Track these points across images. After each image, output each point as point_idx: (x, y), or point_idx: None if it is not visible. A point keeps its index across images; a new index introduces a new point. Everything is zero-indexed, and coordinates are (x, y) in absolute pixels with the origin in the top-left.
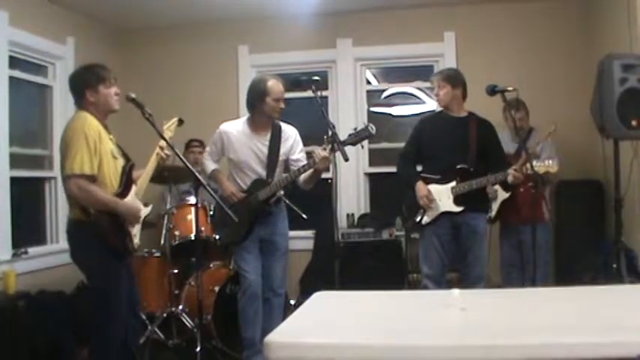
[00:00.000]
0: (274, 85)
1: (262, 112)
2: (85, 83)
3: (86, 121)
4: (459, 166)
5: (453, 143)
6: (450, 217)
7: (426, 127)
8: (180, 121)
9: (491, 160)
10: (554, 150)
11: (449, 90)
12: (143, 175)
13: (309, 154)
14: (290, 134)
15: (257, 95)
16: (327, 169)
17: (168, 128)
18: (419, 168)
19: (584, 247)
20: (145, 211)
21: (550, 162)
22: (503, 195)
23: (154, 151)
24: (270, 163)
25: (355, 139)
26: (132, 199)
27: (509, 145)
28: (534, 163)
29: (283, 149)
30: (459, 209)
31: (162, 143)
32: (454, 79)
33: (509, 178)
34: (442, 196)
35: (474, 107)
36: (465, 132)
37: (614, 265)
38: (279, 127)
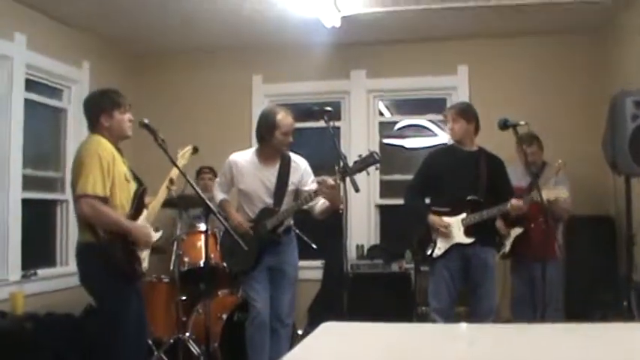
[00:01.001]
0: (283, 118)
1: (271, 144)
2: (100, 108)
3: (100, 144)
4: (469, 198)
5: (463, 177)
6: (461, 250)
7: (436, 161)
8: (195, 149)
9: (500, 196)
10: (568, 185)
11: (463, 124)
12: (154, 203)
13: (318, 183)
14: (299, 165)
15: (266, 128)
16: (340, 200)
17: (183, 156)
18: (427, 200)
19: (595, 284)
20: (155, 237)
21: (561, 188)
22: (516, 231)
23: (166, 177)
24: (277, 192)
25: (361, 165)
26: (142, 222)
27: (522, 180)
28: (544, 191)
29: (292, 179)
30: (469, 240)
31: (173, 175)
32: (468, 114)
33: (508, 206)
34: (453, 228)
35: (485, 140)
36: (476, 166)
37: (625, 303)
38: (289, 158)
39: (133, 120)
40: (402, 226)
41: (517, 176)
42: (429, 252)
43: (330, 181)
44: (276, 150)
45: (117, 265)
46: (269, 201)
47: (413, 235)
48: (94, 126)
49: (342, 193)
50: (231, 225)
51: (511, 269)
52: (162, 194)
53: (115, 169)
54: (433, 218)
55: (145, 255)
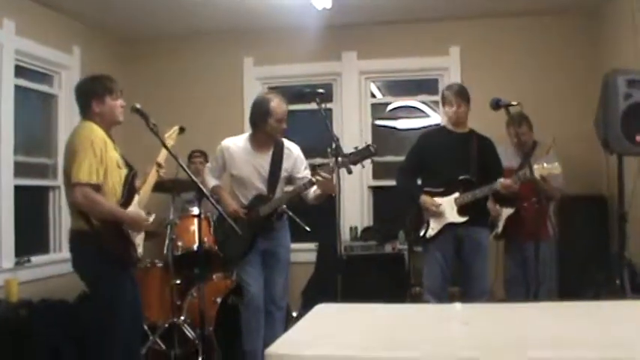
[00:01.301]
0: (277, 106)
1: (264, 131)
2: (92, 93)
3: (92, 131)
4: (461, 178)
5: (456, 158)
6: (454, 230)
7: (429, 143)
8: (182, 129)
9: (492, 176)
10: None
11: (466, 108)
12: (145, 187)
13: (312, 168)
14: (292, 151)
15: (260, 115)
16: (334, 188)
17: (170, 136)
18: (418, 182)
19: (588, 263)
20: (148, 220)
21: (553, 164)
22: (508, 211)
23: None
24: (271, 179)
25: (356, 158)
26: (134, 207)
27: (512, 160)
28: (535, 167)
29: (285, 165)
30: (463, 219)
31: (161, 159)
32: (468, 98)
33: (498, 185)
34: (446, 208)
35: (477, 121)
36: (468, 148)
37: (618, 281)
38: (282, 144)
39: (124, 106)
40: (396, 207)
41: (507, 156)
42: (422, 233)
43: (327, 175)
44: (270, 136)
45: (111, 251)
46: (262, 187)
47: (405, 216)
48: (86, 112)
49: (334, 175)
50: (226, 211)
51: (504, 250)
52: (152, 178)
53: (107, 156)
54: (424, 198)
55: (139, 240)
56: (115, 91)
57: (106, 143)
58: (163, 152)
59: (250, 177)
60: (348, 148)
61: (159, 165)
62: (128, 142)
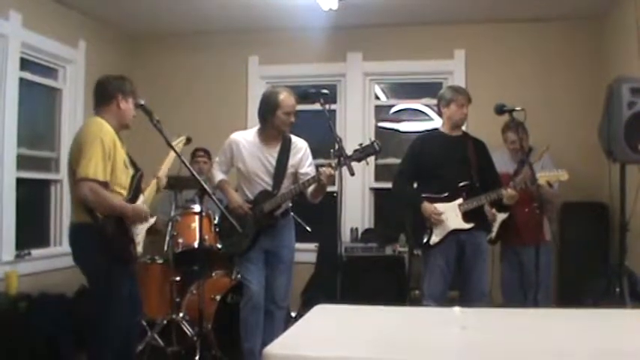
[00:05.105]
0: (286, 98)
1: (273, 124)
2: (118, 89)
3: (102, 127)
4: (463, 183)
5: (455, 163)
6: (457, 235)
7: (425, 146)
8: (188, 140)
9: (488, 179)
10: (554, 167)
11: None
12: (148, 190)
13: (316, 169)
14: (300, 147)
15: (268, 108)
16: (332, 183)
17: (176, 145)
18: (414, 186)
19: (588, 270)
20: (150, 222)
21: (560, 171)
22: (502, 216)
23: (161, 158)
24: (277, 174)
25: (360, 155)
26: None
27: (508, 166)
28: (540, 174)
29: (292, 162)
30: (469, 226)
31: (161, 174)
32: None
33: (503, 192)
34: (449, 214)
35: (480, 125)
36: (465, 150)
37: (617, 289)
38: (290, 140)
39: (135, 115)
40: (397, 210)
41: (504, 163)
42: (424, 239)
43: (329, 171)
44: (278, 130)
45: (112, 246)
46: (268, 181)
47: (406, 222)
48: (102, 106)
49: (336, 176)
50: (230, 206)
51: (500, 255)
52: (151, 188)
53: (116, 155)
54: (426, 206)
55: (140, 239)
56: (136, 97)
57: (115, 142)
58: (165, 164)
59: (257, 170)
60: (350, 149)
61: (158, 179)
62: (129, 141)
